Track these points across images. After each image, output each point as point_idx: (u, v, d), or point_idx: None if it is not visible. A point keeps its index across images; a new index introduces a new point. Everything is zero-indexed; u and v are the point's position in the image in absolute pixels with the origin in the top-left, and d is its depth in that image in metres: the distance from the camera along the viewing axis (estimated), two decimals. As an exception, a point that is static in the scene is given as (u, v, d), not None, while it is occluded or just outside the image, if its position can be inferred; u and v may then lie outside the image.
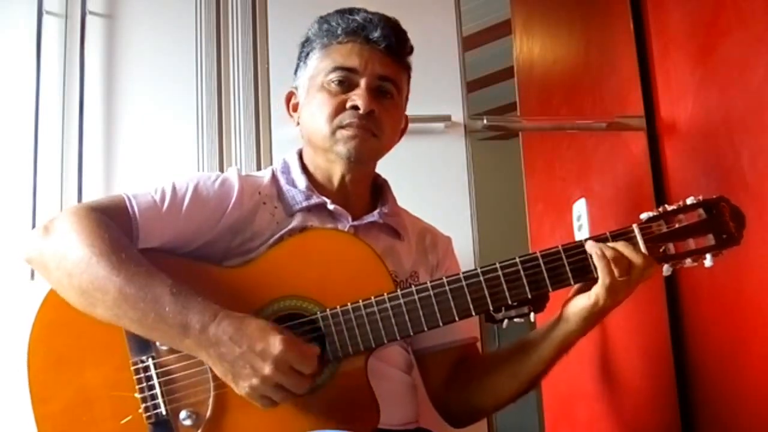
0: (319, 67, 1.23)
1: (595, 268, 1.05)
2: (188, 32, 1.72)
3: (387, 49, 1.22)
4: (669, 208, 1.08)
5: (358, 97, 1.18)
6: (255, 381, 0.96)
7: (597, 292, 1.04)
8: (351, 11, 1.24)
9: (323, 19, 1.25)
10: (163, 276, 1.02)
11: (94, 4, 1.68)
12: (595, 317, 1.07)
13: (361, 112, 1.18)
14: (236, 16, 1.74)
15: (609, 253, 1.04)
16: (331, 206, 1.21)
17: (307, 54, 1.26)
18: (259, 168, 1.66)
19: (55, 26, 1.67)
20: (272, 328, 0.98)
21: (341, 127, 1.19)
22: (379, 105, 1.20)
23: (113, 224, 1.06)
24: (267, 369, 0.95)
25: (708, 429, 1.54)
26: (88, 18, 1.67)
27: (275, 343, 0.96)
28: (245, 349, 0.96)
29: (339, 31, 1.22)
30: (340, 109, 1.19)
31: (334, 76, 1.20)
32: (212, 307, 1.00)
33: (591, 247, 1.05)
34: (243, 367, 0.96)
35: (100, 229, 1.03)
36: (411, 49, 1.28)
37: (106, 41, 1.69)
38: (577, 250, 1.07)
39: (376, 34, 1.21)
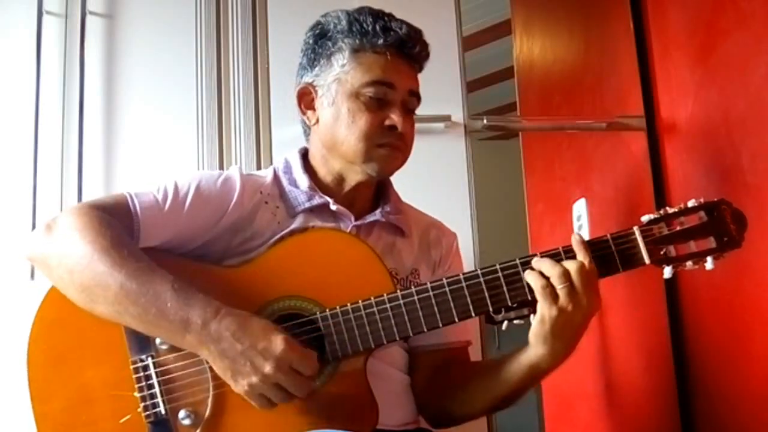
0: (353, 74, 1.19)
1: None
2: (188, 32, 1.72)
3: (417, 63, 1.23)
4: (670, 210, 1.07)
5: (396, 118, 1.18)
6: (254, 379, 0.96)
7: (539, 305, 1.02)
8: (383, 17, 1.21)
9: (352, 18, 1.20)
10: (164, 272, 1.02)
11: (94, 4, 1.68)
12: (548, 335, 1.02)
13: (399, 131, 1.18)
14: (236, 16, 1.74)
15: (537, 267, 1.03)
16: (333, 206, 1.21)
17: (332, 52, 1.21)
18: (259, 168, 1.66)
19: (55, 26, 1.67)
20: (275, 328, 0.99)
21: (379, 145, 1.19)
22: (408, 122, 1.21)
23: (115, 222, 1.06)
24: (267, 367, 0.95)
25: (708, 429, 1.54)
26: (88, 18, 1.68)
27: (277, 342, 0.96)
28: (247, 347, 0.96)
29: (379, 41, 1.18)
30: (377, 126, 1.18)
31: (372, 90, 1.18)
32: (214, 303, 1.00)
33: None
34: (243, 364, 0.96)
35: (102, 227, 1.03)
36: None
37: (106, 41, 1.69)
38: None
39: (414, 51, 1.21)
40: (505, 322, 1.09)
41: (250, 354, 0.96)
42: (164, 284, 1.00)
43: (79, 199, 1.59)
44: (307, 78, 1.25)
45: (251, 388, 0.97)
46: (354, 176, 1.23)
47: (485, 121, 1.76)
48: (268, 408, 0.99)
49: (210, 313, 0.98)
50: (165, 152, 1.66)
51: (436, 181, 1.70)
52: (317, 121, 1.24)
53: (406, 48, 1.20)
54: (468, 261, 1.57)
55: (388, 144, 1.19)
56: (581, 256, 1.03)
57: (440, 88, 1.72)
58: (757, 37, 1.36)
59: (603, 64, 1.95)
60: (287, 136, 1.67)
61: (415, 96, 1.24)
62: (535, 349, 1.06)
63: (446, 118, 1.71)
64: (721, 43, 1.47)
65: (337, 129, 1.20)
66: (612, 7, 1.86)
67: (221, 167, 1.66)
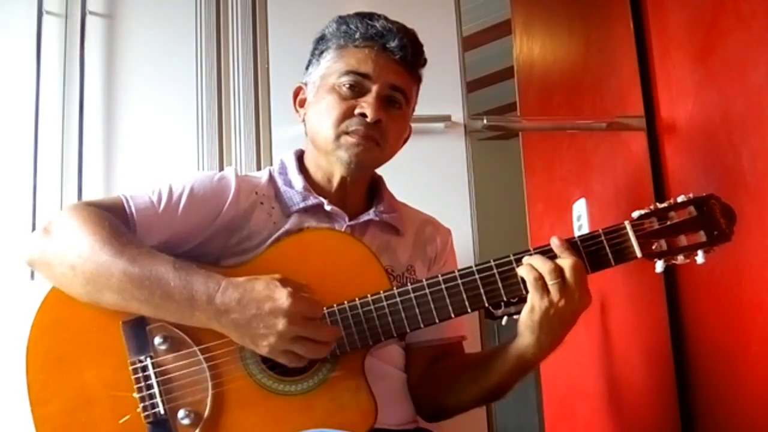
0: (333, 67, 1.22)
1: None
2: (188, 32, 1.72)
3: (401, 59, 1.22)
4: (660, 205, 1.09)
5: (367, 105, 1.18)
6: (272, 339, 0.98)
7: (530, 295, 1.04)
8: (371, 17, 1.23)
9: (342, 20, 1.24)
10: (164, 255, 1.04)
11: (94, 4, 1.68)
12: (536, 325, 1.04)
13: (368, 120, 1.17)
14: (236, 16, 1.74)
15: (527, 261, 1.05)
16: (328, 207, 1.21)
17: (321, 52, 1.25)
18: (259, 168, 1.66)
19: (55, 26, 1.67)
20: (276, 284, 1.00)
21: (346, 133, 1.19)
22: (386, 114, 1.20)
23: (111, 215, 1.07)
24: (281, 324, 0.98)
25: (708, 428, 1.54)
26: (88, 18, 1.67)
27: (282, 298, 0.98)
28: (255, 311, 0.99)
29: (357, 35, 1.21)
30: (347, 114, 1.19)
31: (345, 79, 1.20)
32: (215, 277, 1.02)
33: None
34: (257, 328, 0.98)
35: (99, 219, 1.05)
36: (425, 62, 1.27)
37: (106, 41, 1.69)
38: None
39: (393, 44, 1.20)
40: (505, 318, 1.10)
41: (261, 317, 0.98)
42: (166, 265, 1.02)
43: (79, 199, 1.59)
44: (303, 79, 1.29)
45: (272, 347, 0.99)
46: (336, 171, 1.23)
47: (485, 121, 1.76)
48: (298, 363, 1.01)
49: (212, 287, 1.00)
50: (165, 152, 1.66)
51: (436, 181, 1.70)
52: (305, 117, 1.27)
53: (384, 40, 1.20)
54: (468, 261, 1.56)
55: (356, 132, 1.18)
56: (569, 254, 1.04)
57: (440, 88, 1.72)
58: (757, 37, 1.36)
59: (603, 64, 1.95)
60: (287, 136, 1.67)
61: (399, 92, 1.22)
62: (522, 339, 1.08)
63: (446, 118, 1.71)
64: (721, 43, 1.47)
65: (315, 120, 1.23)
66: (612, 7, 1.86)
67: (221, 167, 1.66)
